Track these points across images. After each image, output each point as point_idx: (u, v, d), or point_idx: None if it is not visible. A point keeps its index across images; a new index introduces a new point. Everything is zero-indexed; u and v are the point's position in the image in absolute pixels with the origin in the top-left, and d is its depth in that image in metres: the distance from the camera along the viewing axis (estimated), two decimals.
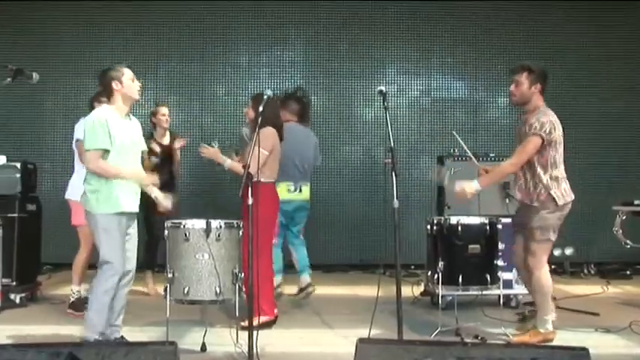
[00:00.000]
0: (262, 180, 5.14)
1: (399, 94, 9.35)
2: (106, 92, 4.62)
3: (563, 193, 4.87)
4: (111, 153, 4.44)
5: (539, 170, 4.84)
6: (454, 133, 5.60)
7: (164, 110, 6.97)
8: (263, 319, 5.31)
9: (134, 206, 4.57)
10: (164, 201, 4.79)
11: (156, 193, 4.77)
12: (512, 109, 9.21)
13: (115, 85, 4.55)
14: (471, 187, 4.86)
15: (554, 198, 4.82)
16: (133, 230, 4.63)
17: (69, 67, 9.07)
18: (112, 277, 4.38)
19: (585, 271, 8.70)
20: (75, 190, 5.60)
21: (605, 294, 7.25)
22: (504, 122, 9.28)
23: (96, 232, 4.44)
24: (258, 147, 4.69)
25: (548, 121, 4.79)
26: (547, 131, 4.75)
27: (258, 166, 4.74)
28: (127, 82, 4.58)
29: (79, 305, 5.76)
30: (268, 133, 5.38)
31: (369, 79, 9.26)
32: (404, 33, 9.35)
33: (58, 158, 8.74)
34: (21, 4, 9.06)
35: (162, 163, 6.67)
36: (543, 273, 4.88)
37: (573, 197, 4.94)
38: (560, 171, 4.91)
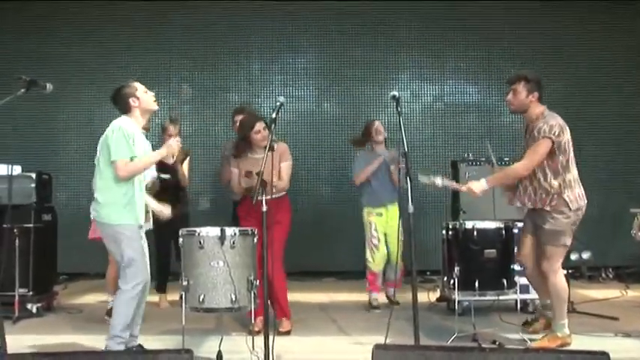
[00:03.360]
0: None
1: (413, 99, 9.33)
2: (123, 110, 4.69)
3: (577, 197, 4.86)
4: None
5: (550, 175, 4.83)
6: (487, 144, 5.56)
7: (171, 130, 6.75)
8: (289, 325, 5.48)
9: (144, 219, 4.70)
10: (161, 210, 5.02)
11: (152, 205, 5.00)
12: None
13: (132, 101, 4.65)
14: (478, 185, 4.88)
15: (567, 202, 4.80)
16: (145, 243, 4.71)
17: (83, 79, 9.12)
18: (137, 286, 4.49)
19: (603, 275, 8.60)
20: None
21: (624, 298, 7.17)
22: (517, 127, 9.04)
23: (115, 242, 4.52)
24: (262, 150, 4.72)
25: (556, 124, 4.80)
26: (556, 134, 4.76)
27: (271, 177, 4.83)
28: (142, 96, 4.67)
29: None
30: (286, 147, 5.62)
31: (382, 86, 9.24)
32: (417, 39, 9.33)
33: (73, 169, 8.82)
34: (38, 17, 9.15)
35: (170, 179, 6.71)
36: (559, 277, 4.86)
37: (586, 201, 4.91)
38: (573, 174, 4.89)
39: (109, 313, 5.91)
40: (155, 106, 4.76)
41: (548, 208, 4.83)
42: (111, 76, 9.10)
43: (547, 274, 4.87)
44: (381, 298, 6.70)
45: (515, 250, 5.25)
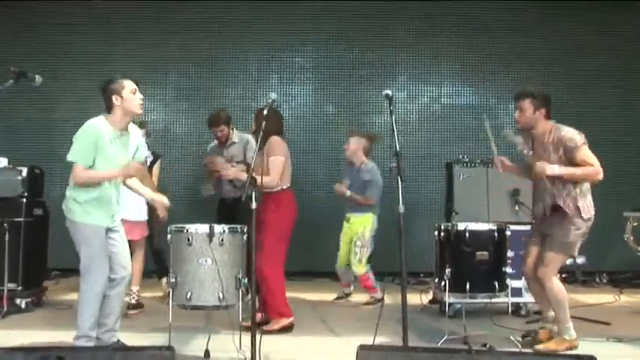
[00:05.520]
0: (283, 187, 5.47)
1: (409, 100, 9.31)
2: (106, 105, 4.49)
3: (589, 206, 4.89)
4: (98, 166, 4.43)
5: (570, 184, 4.83)
6: (485, 122, 5.43)
7: None
8: (285, 322, 5.42)
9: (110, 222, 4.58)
10: (157, 200, 4.98)
11: (147, 195, 4.94)
12: None
13: (114, 99, 4.43)
14: (552, 168, 4.79)
15: (580, 211, 4.82)
16: (117, 235, 4.61)
17: (80, 74, 9.07)
18: (96, 285, 4.41)
19: (597, 279, 8.59)
20: (128, 208, 5.64)
21: (617, 303, 7.15)
22: (515, 129, 9.17)
23: (75, 238, 4.47)
24: (255, 155, 4.66)
25: (575, 131, 4.83)
26: (584, 139, 4.81)
27: (262, 174, 4.86)
28: (128, 96, 4.45)
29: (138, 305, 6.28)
30: (277, 140, 5.48)
31: (379, 86, 9.13)
32: (414, 39, 9.31)
33: (69, 163, 8.72)
34: (33, 10, 9.11)
35: None
36: (555, 283, 4.85)
37: (595, 212, 4.93)
38: (587, 184, 4.91)
39: (131, 306, 6.16)
40: (138, 110, 4.51)
41: (568, 211, 4.82)
42: (108, 72, 9.07)
43: (542, 280, 4.87)
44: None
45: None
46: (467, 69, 9.32)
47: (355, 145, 6.89)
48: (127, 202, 5.47)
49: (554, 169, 4.78)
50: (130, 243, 6.15)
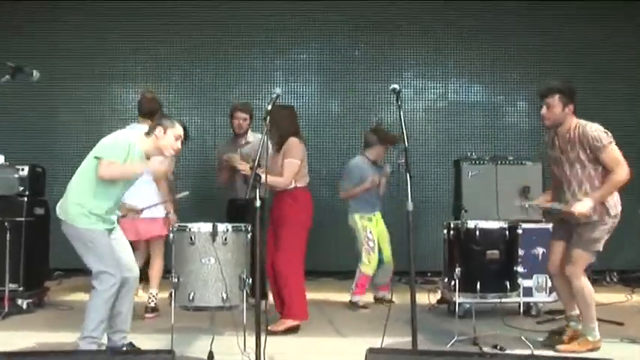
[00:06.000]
0: (298, 185, 5.44)
1: (416, 97, 9.20)
2: (149, 128, 4.49)
3: (616, 203, 4.78)
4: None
5: (598, 183, 4.71)
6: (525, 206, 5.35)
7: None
8: (292, 323, 5.33)
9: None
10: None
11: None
12: (530, 113, 9.12)
13: (158, 131, 4.40)
14: (585, 206, 4.61)
15: (607, 209, 4.72)
16: (117, 234, 4.51)
17: (83, 73, 8.99)
18: (113, 287, 4.28)
19: (608, 278, 8.46)
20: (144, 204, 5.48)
21: (629, 302, 7.02)
22: (522, 126, 9.16)
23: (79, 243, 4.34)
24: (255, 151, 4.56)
25: (601, 129, 4.67)
26: (611, 137, 4.66)
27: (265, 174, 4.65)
28: (169, 139, 4.40)
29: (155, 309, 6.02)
30: (296, 142, 5.48)
31: (385, 83, 9.00)
32: (420, 36, 9.19)
33: (72, 163, 8.62)
34: (35, 9, 9.01)
35: None
36: (583, 281, 4.75)
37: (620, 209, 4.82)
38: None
39: (150, 309, 5.96)
40: (168, 154, 4.46)
41: (595, 218, 4.69)
42: (110, 70, 9.05)
43: (571, 278, 4.76)
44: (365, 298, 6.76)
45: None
46: (474, 65, 9.20)
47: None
48: (143, 198, 5.43)
49: (586, 206, 4.61)
50: (148, 242, 6.17)
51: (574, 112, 4.78)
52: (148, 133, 4.45)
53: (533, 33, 9.04)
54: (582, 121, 4.75)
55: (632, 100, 9.01)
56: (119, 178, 4.33)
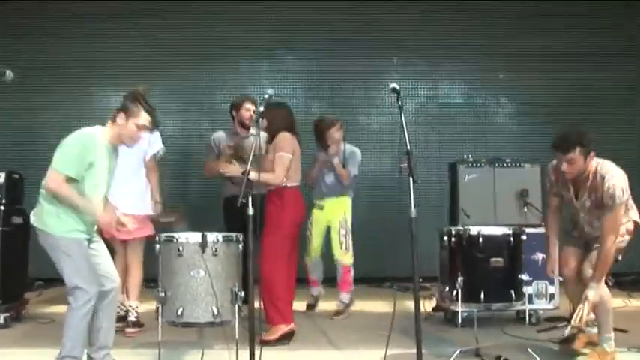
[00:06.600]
0: (288, 185, 5.18)
1: (405, 99, 9.00)
2: (114, 114, 4.17)
3: (636, 213, 4.71)
4: (85, 180, 4.06)
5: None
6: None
7: None
8: (284, 329, 5.07)
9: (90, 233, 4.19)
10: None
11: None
12: (520, 115, 9.11)
13: (120, 118, 4.11)
14: (594, 294, 4.42)
15: (637, 222, 4.64)
16: (98, 245, 4.24)
17: (63, 75, 8.77)
18: (88, 302, 3.99)
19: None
20: (126, 198, 5.20)
21: (628, 308, 6.86)
22: (513, 128, 9.13)
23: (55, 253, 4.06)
24: (251, 151, 4.32)
25: (620, 180, 4.45)
26: (625, 192, 4.45)
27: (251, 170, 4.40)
28: (130, 126, 4.10)
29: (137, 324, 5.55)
30: (285, 136, 5.26)
31: (374, 85, 9.03)
32: (410, 37, 9.06)
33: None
34: (21, 12, 8.80)
35: None
36: (604, 289, 4.54)
37: None
38: (628, 199, 4.60)
39: (131, 324, 5.52)
40: (128, 143, 4.19)
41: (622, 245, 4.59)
42: (95, 73, 8.80)
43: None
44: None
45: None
46: (464, 67, 9.08)
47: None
48: (126, 191, 5.14)
49: (595, 294, 4.42)
50: (126, 242, 5.65)
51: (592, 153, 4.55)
52: (113, 119, 4.16)
53: (526, 34, 8.95)
54: (602, 168, 4.52)
55: (629, 103, 8.97)
56: (63, 200, 4.03)
